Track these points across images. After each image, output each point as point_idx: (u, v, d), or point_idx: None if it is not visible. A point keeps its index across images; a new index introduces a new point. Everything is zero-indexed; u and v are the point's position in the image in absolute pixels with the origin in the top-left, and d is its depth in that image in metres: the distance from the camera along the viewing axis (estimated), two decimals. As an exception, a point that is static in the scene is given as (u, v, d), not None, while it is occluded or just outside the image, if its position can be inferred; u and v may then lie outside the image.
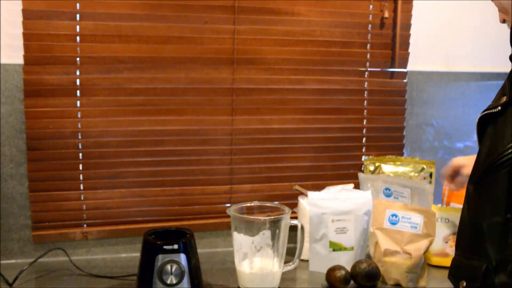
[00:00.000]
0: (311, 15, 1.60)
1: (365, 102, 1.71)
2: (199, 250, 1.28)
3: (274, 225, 1.24)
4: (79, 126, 1.45)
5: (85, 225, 1.50)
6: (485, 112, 0.85)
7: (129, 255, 1.53)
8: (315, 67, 1.63)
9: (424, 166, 1.56)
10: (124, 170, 1.50)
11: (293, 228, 1.30)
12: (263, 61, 1.58)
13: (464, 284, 0.83)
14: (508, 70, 0.89)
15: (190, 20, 1.50)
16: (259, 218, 1.27)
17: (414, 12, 1.70)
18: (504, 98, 0.82)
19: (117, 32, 1.45)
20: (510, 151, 0.78)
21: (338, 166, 1.70)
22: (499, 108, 0.82)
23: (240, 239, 1.26)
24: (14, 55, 1.39)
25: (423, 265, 1.34)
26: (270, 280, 1.26)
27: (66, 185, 1.47)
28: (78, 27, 1.42)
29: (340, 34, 1.64)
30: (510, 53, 0.87)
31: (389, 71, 1.71)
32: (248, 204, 1.34)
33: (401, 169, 1.58)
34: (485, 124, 0.86)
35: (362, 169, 1.68)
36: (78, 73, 1.44)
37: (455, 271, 0.88)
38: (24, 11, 1.37)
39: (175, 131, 1.53)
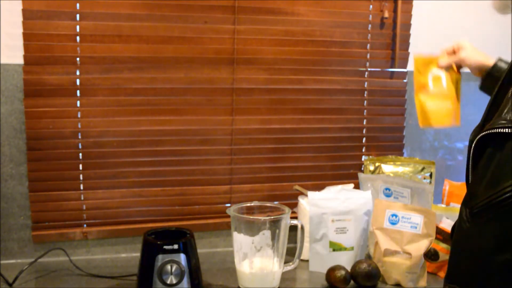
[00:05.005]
0: (311, 15, 1.60)
1: (365, 102, 1.71)
2: (199, 250, 1.28)
3: (274, 225, 1.24)
4: (79, 126, 1.45)
5: (85, 225, 1.50)
6: (488, 132, 0.67)
7: (129, 255, 1.53)
8: (315, 67, 1.63)
9: (424, 166, 1.56)
10: (124, 170, 1.50)
11: (293, 228, 1.30)
12: (263, 61, 1.58)
13: None
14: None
15: (190, 20, 1.50)
16: (259, 218, 1.26)
17: (414, 12, 1.70)
18: None
19: (117, 32, 1.45)
20: None
21: (338, 166, 1.70)
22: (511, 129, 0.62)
23: (240, 239, 1.25)
24: (14, 55, 1.39)
25: (423, 265, 1.34)
26: (270, 280, 1.26)
27: (66, 185, 1.47)
28: (78, 27, 1.42)
29: (340, 34, 1.64)
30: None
31: (389, 71, 1.71)
32: (248, 204, 1.34)
33: (401, 169, 1.58)
34: (485, 144, 0.69)
35: (362, 169, 1.68)
36: (78, 73, 1.44)
37: None
38: (24, 11, 1.37)
39: (175, 131, 1.53)
